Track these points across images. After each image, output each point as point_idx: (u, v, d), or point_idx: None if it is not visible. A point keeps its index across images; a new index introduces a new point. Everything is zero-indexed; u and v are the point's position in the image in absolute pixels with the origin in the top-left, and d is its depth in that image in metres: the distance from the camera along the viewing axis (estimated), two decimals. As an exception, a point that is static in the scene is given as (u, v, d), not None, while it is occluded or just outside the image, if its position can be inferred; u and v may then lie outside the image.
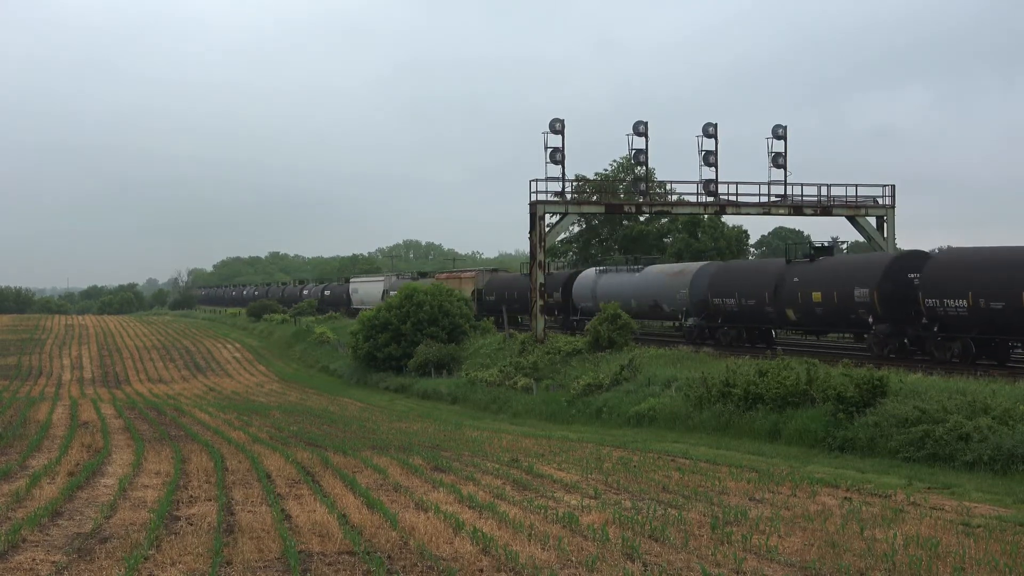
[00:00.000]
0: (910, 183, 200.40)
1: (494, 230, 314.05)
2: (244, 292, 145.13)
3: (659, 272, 47.05)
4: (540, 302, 45.73)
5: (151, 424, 28.50)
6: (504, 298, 61.05)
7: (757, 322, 39.24)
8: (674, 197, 56.67)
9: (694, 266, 44.76)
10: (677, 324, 46.20)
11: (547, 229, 46.25)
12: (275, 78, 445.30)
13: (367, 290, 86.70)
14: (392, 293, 68.11)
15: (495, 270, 72.39)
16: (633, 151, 46.83)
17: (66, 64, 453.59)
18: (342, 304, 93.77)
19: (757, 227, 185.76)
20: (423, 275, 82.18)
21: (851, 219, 48.33)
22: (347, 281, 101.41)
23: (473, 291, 64.18)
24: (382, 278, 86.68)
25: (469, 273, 69.41)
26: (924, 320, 30.64)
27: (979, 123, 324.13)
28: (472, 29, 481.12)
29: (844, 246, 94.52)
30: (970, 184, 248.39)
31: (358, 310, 79.87)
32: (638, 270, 48.34)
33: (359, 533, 11.20)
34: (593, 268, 53.72)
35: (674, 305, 43.64)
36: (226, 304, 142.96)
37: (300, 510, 12.88)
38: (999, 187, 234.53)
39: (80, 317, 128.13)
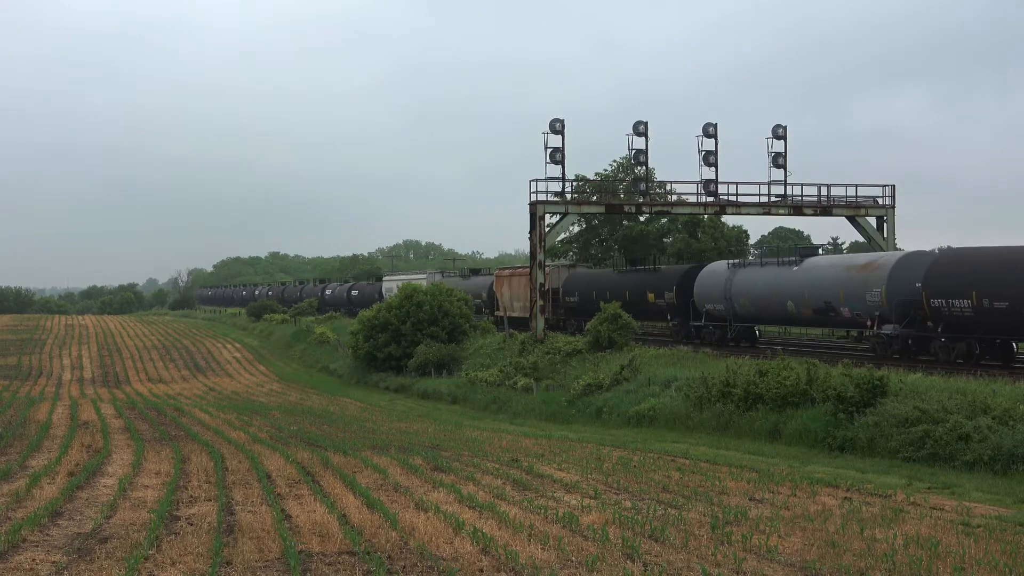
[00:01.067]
0: (910, 183, 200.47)
1: (494, 230, 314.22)
2: (256, 292, 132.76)
3: (834, 264, 37.25)
4: (541, 302, 45.78)
5: (151, 424, 28.50)
6: (592, 298, 50.09)
7: (1007, 332, 28.90)
8: (674, 197, 56.63)
9: (891, 256, 34.86)
10: (861, 333, 36.66)
11: (547, 229, 46.29)
12: (276, 80, 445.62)
13: None
14: None
15: (573, 265, 58.37)
16: (633, 151, 46.87)
17: (66, 65, 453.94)
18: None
19: (757, 227, 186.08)
20: (475, 272, 73.25)
21: (851, 219, 48.36)
22: (378, 280, 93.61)
23: (547, 291, 49.65)
24: (424, 275, 77.15)
25: None
26: None
27: (978, 124, 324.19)
28: (473, 31, 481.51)
29: (844, 246, 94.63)
30: (969, 184, 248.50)
31: None
32: (796, 262, 38.14)
33: (359, 533, 11.20)
34: (723, 261, 44.47)
35: (861, 308, 33.71)
36: (234, 305, 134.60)
37: (300, 510, 12.88)
38: (999, 187, 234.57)
39: (80, 317, 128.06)
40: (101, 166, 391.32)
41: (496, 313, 59.80)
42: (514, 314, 56.55)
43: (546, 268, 47.77)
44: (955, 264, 30.58)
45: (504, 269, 64.89)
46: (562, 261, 68.19)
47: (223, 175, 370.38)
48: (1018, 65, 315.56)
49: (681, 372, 32.40)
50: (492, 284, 63.54)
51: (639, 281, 48.12)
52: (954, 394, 21.98)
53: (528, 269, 50.78)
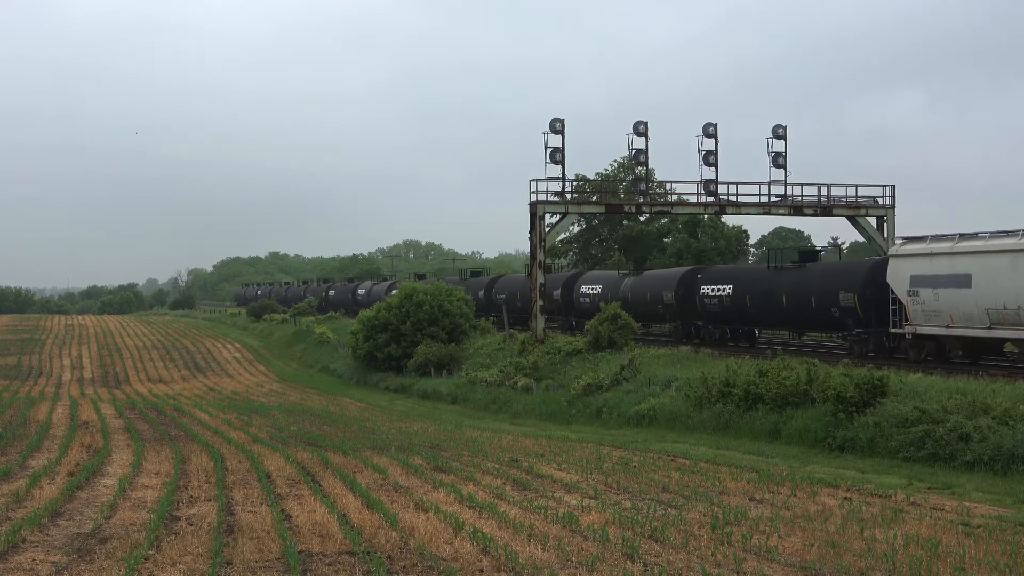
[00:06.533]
0: (908, 184, 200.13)
1: (494, 230, 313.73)
2: (359, 291, 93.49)
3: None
4: (540, 302, 45.78)
5: (151, 424, 28.50)
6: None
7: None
8: (674, 197, 56.63)
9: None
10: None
11: (547, 229, 46.25)
12: (277, 82, 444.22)
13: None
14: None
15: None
16: (633, 151, 46.84)
17: (67, 66, 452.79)
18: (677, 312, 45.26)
19: (757, 227, 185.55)
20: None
21: (851, 219, 48.29)
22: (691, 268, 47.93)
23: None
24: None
25: None
26: None
27: (975, 125, 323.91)
28: (474, 34, 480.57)
29: (844, 246, 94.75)
30: (967, 185, 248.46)
31: None
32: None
33: (359, 533, 11.20)
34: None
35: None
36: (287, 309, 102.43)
37: (300, 510, 12.87)
38: (998, 187, 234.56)
39: (80, 317, 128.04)
40: (101, 166, 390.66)
41: None
42: None
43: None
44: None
45: None
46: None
47: (224, 176, 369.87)
48: (1017, 67, 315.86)
49: (681, 372, 32.40)
50: None
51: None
52: (954, 394, 21.99)
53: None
